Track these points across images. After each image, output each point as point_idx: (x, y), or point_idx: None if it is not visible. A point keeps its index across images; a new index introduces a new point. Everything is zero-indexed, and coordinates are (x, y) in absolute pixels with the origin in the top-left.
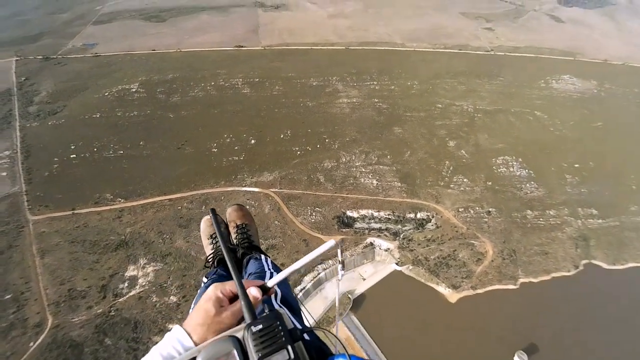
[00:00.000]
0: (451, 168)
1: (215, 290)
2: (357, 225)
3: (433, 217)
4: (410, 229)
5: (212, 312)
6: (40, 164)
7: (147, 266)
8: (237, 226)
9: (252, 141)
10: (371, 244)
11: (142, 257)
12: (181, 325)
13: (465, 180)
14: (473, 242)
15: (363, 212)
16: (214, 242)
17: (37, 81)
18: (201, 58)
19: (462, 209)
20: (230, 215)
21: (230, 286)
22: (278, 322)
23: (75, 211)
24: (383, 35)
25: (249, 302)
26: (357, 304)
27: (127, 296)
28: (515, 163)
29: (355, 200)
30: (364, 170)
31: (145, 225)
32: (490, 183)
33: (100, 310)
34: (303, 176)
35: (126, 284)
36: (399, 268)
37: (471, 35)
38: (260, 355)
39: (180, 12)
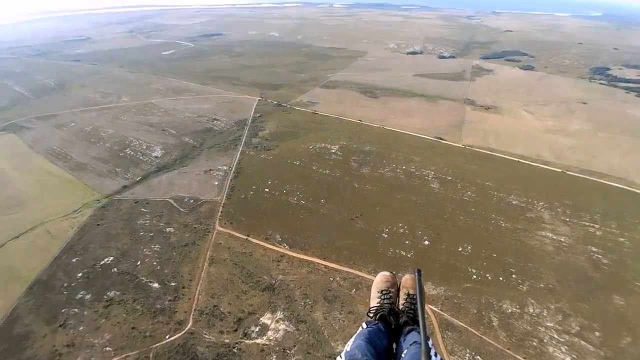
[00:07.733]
0: None
1: None
2: None
3: None
4: None
5: None
6: (242, 186)
7: (281, 322)
8: (409, 295)
9: (426, 242)
10: None
11: (281, 310)
12: None
13: None
14: None
15: None
16: (383, 297)
17: (266, 120)
18: (399, 139)
19: None
20: (407, 281)
21: None
22: None
23: (249, 238)
24: (616, 169)
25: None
26: None
27: (253, 341)
28: None
29: None
30: (555, 336)
31: (295, 280)
32: None
33: (228, 340)
34: (472, 308)
35: (257, 329)
36: None
37: None
38: None
39: (393, 93)
